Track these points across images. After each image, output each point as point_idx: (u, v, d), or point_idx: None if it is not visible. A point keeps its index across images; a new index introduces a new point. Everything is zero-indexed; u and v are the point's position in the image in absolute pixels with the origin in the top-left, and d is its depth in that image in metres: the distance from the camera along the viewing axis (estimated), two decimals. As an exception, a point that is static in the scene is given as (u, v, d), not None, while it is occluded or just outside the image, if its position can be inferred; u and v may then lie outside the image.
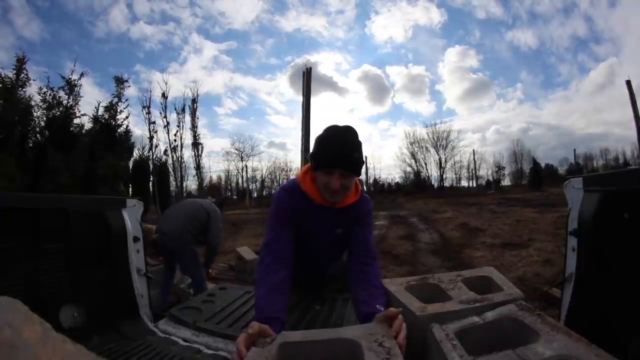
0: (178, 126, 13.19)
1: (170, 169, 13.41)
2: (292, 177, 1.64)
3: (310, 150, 1.34)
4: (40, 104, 8.06)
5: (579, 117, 51.23)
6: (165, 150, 12.55)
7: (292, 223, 1.37)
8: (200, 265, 3.42)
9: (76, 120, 8.55)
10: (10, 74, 7.61)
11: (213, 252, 3.57)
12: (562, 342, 0.78)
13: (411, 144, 39.57)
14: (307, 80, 11.95)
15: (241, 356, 0.87)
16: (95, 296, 1.61)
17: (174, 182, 14.03)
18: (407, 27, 53.90)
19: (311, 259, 1.51)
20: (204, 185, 22.23)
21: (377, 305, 1.11)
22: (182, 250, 3.32)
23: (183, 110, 13.68)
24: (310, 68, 12.21)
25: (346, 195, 1.35)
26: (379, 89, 55.52)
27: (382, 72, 61.20)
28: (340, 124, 1.31)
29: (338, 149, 1.23)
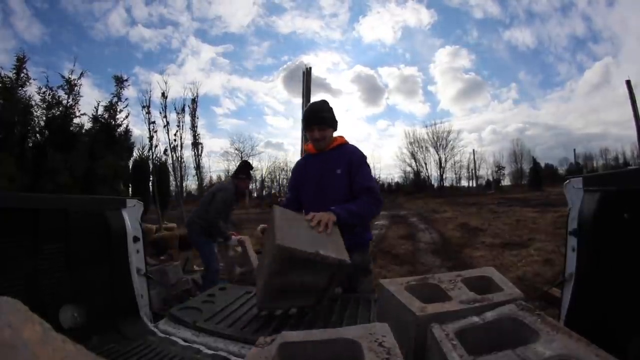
0: (178, 126, 13.13)
1: (170, 169, 13.36)
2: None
3: None
4: (40, 103, 8.03)
5: (577, 117, 51.44)
6: (165, 150, 12.49)
7: (298, 181, 2.05)
8: (212, 259, 3.53)
9: (76, 120, 8.53)
10: (10, 73, 7.59)
11: (214, 229, 3.53)
12: (562, 342, 0.78)
13: (411, 143, 39.74)
14: (306, 80, 11.92)
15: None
16: (95, 296, 1.61)
17: (173, 182, 13.98)
18: (396, 28, 54.32)
19: (327, 197, 1.86)
20: (204, 185, 22.25)
21: (332, 207, 1.62)
22: (192, 241, 3.65)
23: (183, 110, 13.63)
24: (310, 68, 12.17)
25: (329, 142, 1.95)
26: (372, 90, 55.78)
27: (375, 73, 61.39)
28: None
29: (312, 113, 1.93)
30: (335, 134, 2.01)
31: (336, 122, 1.98)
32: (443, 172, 38.93)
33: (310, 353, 0.85)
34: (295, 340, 0.87)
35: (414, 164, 39.76)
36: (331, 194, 1.86)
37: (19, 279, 1.39)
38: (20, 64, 7.75)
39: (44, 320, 0.47)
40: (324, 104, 1.96)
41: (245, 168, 3.79)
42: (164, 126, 12.27)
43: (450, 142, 38.58)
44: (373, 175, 1.97)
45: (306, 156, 2.09)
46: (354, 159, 1.89)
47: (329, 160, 1.92)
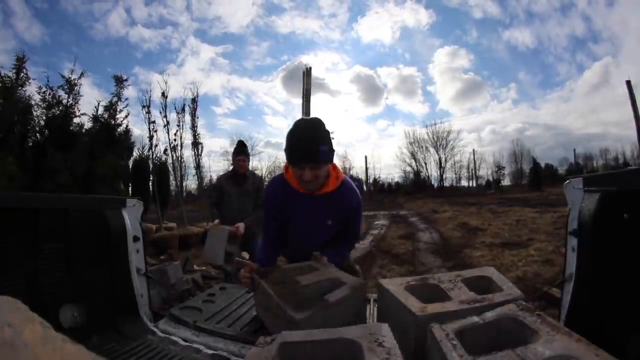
0: (178, 126, 13.15)
1: (170, 169, 13.38)
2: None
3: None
4: (40, 103, 8.05)
5: (577, 117, 51.33)
6: (165, 150, 12.51)
7: (277, 212, 1.59)
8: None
9: (76, 120, 8.55)
10: (10, 73, 7.60)
11: None
12: (562, 342, 0.78)
13: (411, 143, 39.77)
14: (307, 80, 11.93)
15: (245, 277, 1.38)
16: (95, 296, 1.61)
17: (173, 182, 14.00)
18: (395, 28, 54.35)
19: (312, 246, 1.52)
20: (204, 184, 22.27)
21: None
22: None
23: (183, 109, 13.64)
24: (310, 68, 12.20)
25: (322, 182, 1.46)
26: (372, 90, 55.53)
27: (374, 73, 61.13)
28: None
29: (305, 146, 1.34)
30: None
31: (333, 152, 1.43)
32: (443, 172, 39.01)
33: (310, 353, 0.85)
34: (295, 340, 0.87)
35: (414, 163, 39.79)
36: (316, 243, 1.57)
37: (19, 279, 1.39)
38: (20, 63, 7.76)
39: (44, 320, 0.47)
40: (319, 128, 1.38)
41: (235, 147, 3.53)
42: (164, 126, 12.33)
43: (450, 142, 38.66)
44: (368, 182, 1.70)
45: (286, 189, 1.54)
46: (351, 209, 1.56)
47: (318, 207, 1.50)
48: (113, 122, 9.26)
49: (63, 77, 8.41)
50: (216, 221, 3.08)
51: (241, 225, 2.99)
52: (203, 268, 5.05)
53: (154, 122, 11.58)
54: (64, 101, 8.34)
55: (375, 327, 0.91)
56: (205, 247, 2.74)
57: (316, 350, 0.86)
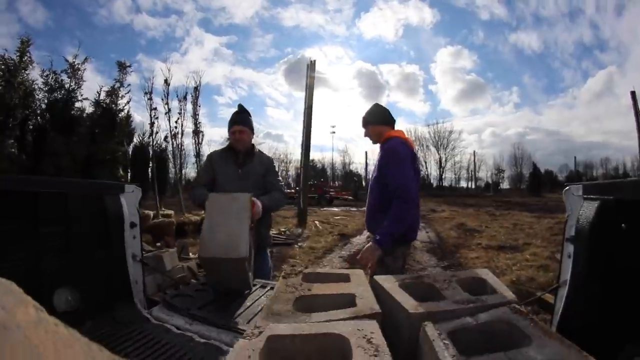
0: (179, 113, 13.08)
1: (170, 156, 13.35)
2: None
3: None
4: (42, 86, 8.02)
5: (579, 125, 51.26)
6: (166, 137, 12.46)
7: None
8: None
9: (77, 104, 8.53)
10: (14, 56, 7.56)
11: None
12: (553, 347, 0.79)
13: (412, 141, 39.72)
14: (310, 73, 11.86)
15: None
16: (90, 281, 1.61)
17: (173, 169, 13.99)
18: (398, 26, 54.09)
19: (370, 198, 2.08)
20: (203, 174, 22.17)
21: (377, 237, 1.79)
22: None
23: (185, 97, 13.56)
24: (314, 61, 12.11)
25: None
26: (373, 87, 55.37)
27: (376, 69, 60.85)
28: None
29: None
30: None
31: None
32: (443, 172, 39.07)
33: (298, 346, 0.85)
34: (283, 333, 0.87)
35: (414, 162, 39.81)
36: (372, 197, 2.03)
37: (18, 261, 1.39)
38: (24, 46, 7.71)
39: (39, 303, 0.46)
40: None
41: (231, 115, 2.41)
42: (166, 113, 12.24)
43: (452, 143, 38.66)
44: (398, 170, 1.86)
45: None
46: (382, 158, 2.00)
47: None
48: (114, 107, 9.23)
49: (66, 60, 8.38)
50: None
51: (258, 203, 1.95)
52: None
53: (155, 109, 11.50)
54: (67, 85, 8.32)
55: (364, 323, 0.91)
56: (204, 228, 1.61)
57: (304, 344, 0.86)
